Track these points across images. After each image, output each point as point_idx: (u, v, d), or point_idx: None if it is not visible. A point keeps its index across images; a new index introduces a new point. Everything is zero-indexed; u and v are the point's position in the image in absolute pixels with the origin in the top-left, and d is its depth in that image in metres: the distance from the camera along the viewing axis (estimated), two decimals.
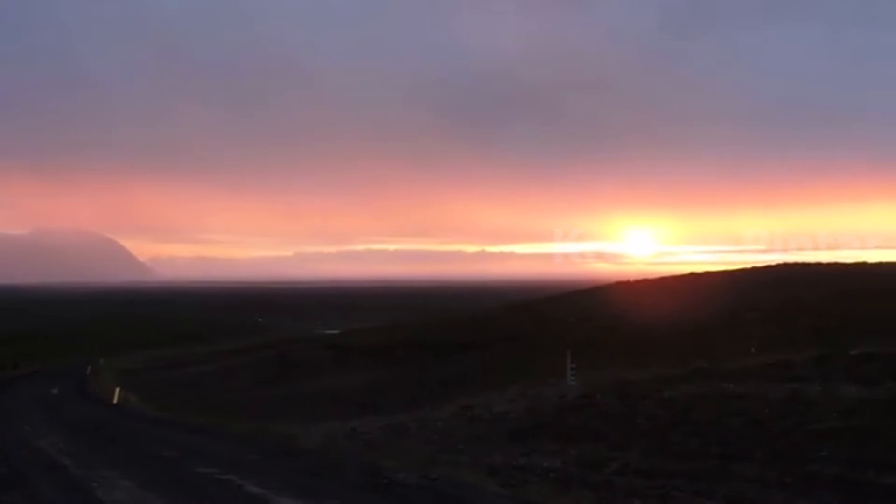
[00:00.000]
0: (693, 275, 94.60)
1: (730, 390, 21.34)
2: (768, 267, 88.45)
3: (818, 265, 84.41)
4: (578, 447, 19.31)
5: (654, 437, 18.74)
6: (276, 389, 64.42)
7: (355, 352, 76.36)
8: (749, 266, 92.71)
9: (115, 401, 54.48)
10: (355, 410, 39.75)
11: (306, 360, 78.68)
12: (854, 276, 74.02)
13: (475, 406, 28.44)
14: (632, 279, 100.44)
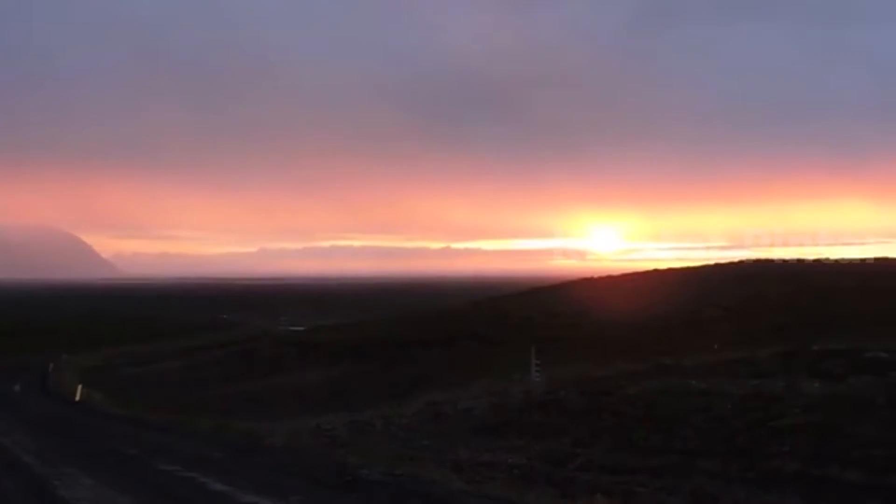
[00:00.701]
0: (657, 271, 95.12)
1: (693, 386, 21.43)
2: (731, 264, 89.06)
3: (780, 262, 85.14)
4: (543, 443, 19.37)
5: (617, 434, 18.81)
6: (241, 386, 64.14)
7: (320, 348, 76.11)
8: (712, 263, 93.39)
9: (78, 398, 54.10)
10: (320, 407, 39.68)
11: (271, 357, 78.37)
12: (816, 273, 74.69)
13: (440, 402, 28.43)
14: (596, 276, 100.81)
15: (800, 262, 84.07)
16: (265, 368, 72.88)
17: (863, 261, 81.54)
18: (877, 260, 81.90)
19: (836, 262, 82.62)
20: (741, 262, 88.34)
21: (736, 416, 18.00)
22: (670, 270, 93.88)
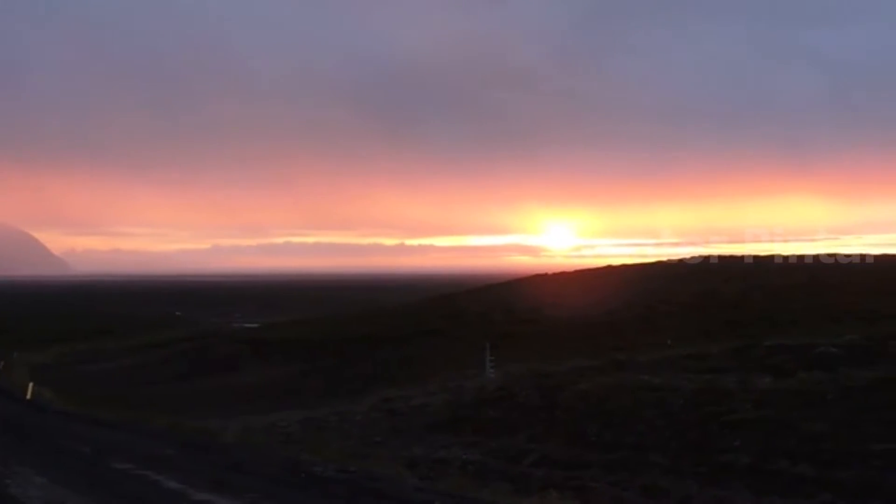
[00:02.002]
0: (610, 268, 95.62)
1: (646, 382, 21.55)
2: (683, 260, 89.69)
3: (732, 259, 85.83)
4: (497, 439, 19.41)
5: (571, 429, 18.89)
6: (195, 384, 63.69)
7: (274, 346, 75.78)
8: (665, 259, 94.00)
9: (29, 396, 53.44)
10: (274, 404, 39.49)
11: (225, 355, 77.89)
12: (767, 269, 75.45)
13: (395, 399, 28.41)
14: (550, 272, 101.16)
15: (751, 258, 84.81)
16: (219, 366, 72.43)
17: (816, 258, 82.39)
18: (826, 256, 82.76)
19: (787, 258, 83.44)
20: (693, 259, 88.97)
21: (688, 411, 18.14)
22: (624, 267, 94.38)
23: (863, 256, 79.87)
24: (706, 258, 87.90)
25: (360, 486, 14.69)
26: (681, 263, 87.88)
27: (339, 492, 14.41)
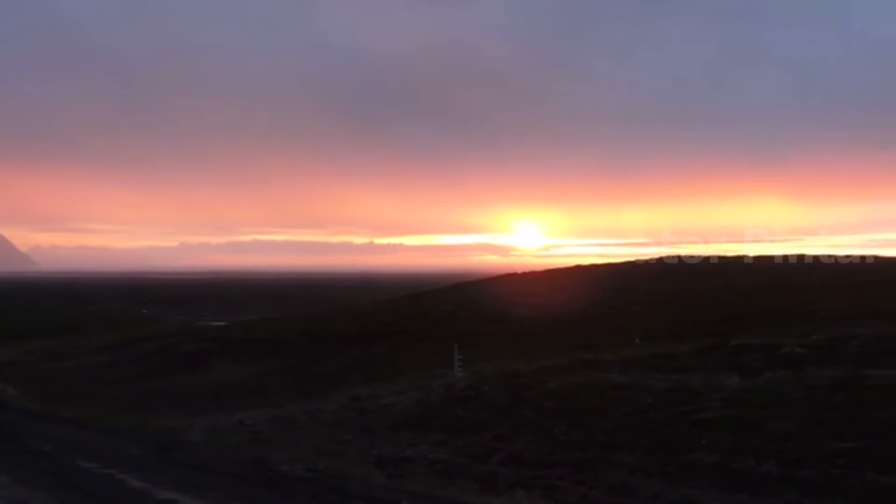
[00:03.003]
0: (578, 267, 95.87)
1: (614, 381, 21.63)
2: (652, 260, 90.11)
3: (700, 258, 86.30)
4: (465, 438, 19.41)
5: (539, 428, 18.91)
6: (161, 382, 63.27)
7: (242, 344, 75.41)
8: (633, 259, 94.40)
9: None
10: (242, 403, 39.27)
11: (192, 352, 77.37)
12: (735, 269, 75.93)
13: (363, 398, 28.36)
14: (519, 271, 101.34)
15: (718, 258, 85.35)
16: (185, 364, 71.95)
17: (785, 258, 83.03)
18: (794, 257, 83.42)
19: (755, 258, 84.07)
20: (661, 259, 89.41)
21: (656, 409, 18.21)
22: (592, 266, 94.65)
23: (848, 257, 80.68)
24: (674, 258, 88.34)
25: (328, 485, 14.64)
26: (649, 263, 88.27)
27: (306, 490, 14.36)
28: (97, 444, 22.85)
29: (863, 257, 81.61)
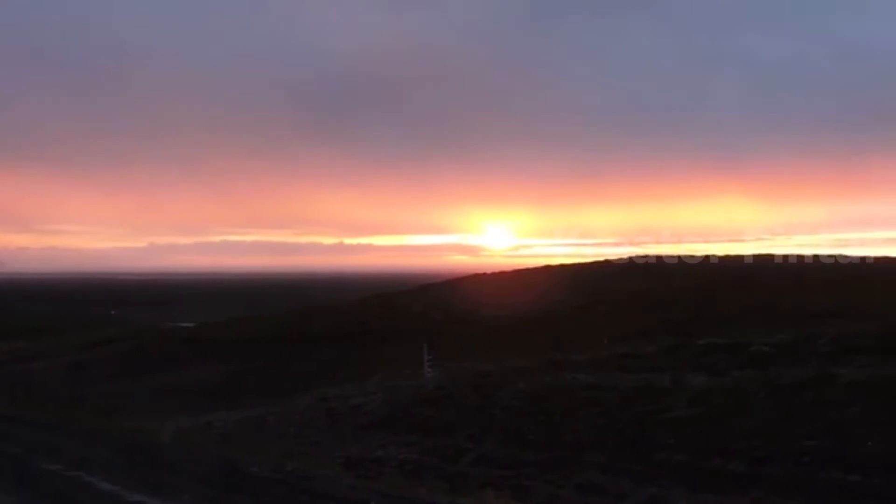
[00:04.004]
0: (548, 267, 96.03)
1: (583, 381, 21.71)
2: (620, 260, 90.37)
3: (668, 259, 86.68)
4: (434, 439, 19.43)
5: (508, 428, 18.97)
6: (129, 384, 62.91)
7: (211, 345, 75.09)
8: (602, 259, 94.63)
9: None
10: (211, 404, 39.14)
11: (160, 354, 76.98)
12: (702, 269, 76.37)
13: (332, 398, 28.33)
14: (489, 271, 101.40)
15: (687, 258, 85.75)
16: (154, 365, 71.58)
17: (752, 257, 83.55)
18: (760, 256, 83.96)
19: (722, 258, 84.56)
20: (630, 259, 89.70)
21: (624, 409, 18.31)
22: (561, 266, 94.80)
23: (814, 256, 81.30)
24: (643, 258, 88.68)
25: (296, 486, 14.65)
26: (618, 263, 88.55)
27: (274, 491, 14.35)
28: (65, 447, 22.71)
29: (831, 256, 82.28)
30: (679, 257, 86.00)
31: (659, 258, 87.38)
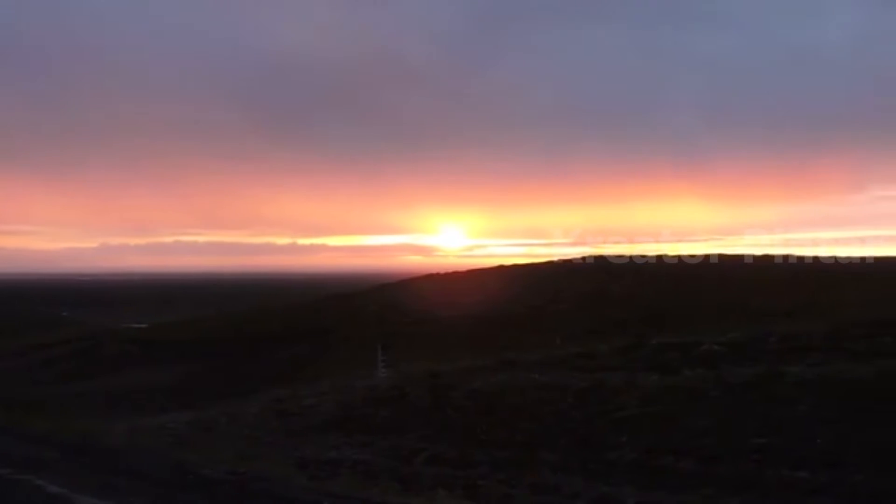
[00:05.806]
0: (501, 267, 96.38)
1: (536, 380, 21.78)
2: (574, 260, 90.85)
3: (621, 258, 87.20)
4: (388, 439, 19.43)
5: (462, 428, 19.01)
6: (80, 385, 62.37)
7: (164, 346, 74.65)
8: (555, 259, 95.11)
9: None
10: (163, 406, 38.89)
11: (112, 355, 76.43)
12: (656, 269, 76.96)
13: (286, 399, 28.20)
14: (442, 272, 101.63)
15: (639, 258, 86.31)
16: (106, 367, 71.04)
17: (705, 257, 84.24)
18: (713, 256, 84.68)
19: (675, 258, 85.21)
20: (583, 259, 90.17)
21: (577, 408, 18.41)
22: (514, 266, 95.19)
23: (766, 256, 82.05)
24: (596, 258, 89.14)
25: (249, 488, 14.60)
26: (571, 263, 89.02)
27: (227, 493, 14.30)
28: (12, 450, 22.43)
29: (783, 256, 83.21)
30: (631, 257, 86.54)
31: (612, 258, 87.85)
